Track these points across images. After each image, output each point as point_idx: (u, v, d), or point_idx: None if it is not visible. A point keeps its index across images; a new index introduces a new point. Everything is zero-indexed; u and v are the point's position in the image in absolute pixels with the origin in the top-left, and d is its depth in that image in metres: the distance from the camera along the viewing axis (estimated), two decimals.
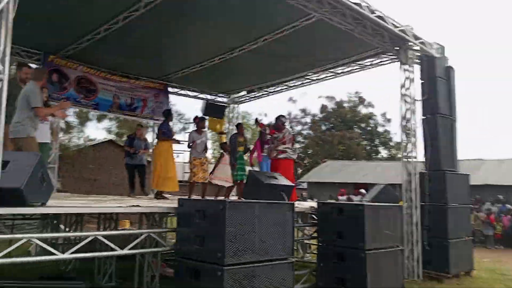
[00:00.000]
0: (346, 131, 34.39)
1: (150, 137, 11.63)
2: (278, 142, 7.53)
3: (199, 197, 7.96)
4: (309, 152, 35.68)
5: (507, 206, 15.36)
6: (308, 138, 36.02)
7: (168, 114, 7.86)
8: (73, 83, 9.36)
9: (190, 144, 7.94)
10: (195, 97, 12.35)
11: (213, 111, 12.34)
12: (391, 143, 36.74)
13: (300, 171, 33.52)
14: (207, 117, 8.32)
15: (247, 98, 12.82)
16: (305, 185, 26.69)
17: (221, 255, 3.71)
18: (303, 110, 37.27)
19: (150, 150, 9.53)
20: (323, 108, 37.61)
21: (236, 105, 13.07)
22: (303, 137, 36.51)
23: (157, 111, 10.82)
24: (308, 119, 37.49)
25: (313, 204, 6.38)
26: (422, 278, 7.80)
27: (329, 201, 6.82)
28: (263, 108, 73.33)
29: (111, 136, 19.97)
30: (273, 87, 11.91)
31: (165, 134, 7.38)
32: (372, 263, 5.58)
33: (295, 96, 45.22)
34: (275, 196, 5.82)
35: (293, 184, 6.14)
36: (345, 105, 37.91)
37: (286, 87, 11.78)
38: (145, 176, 9.13)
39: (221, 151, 9.21)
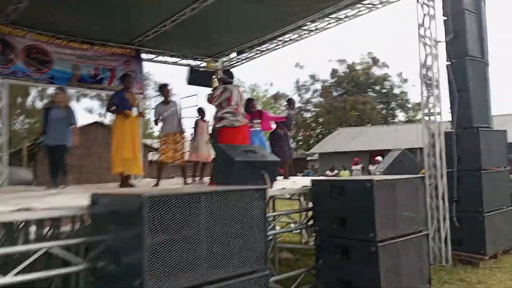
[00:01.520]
0: (360, 95, 32.48)
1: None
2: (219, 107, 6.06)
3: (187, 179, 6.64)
4: (320, 121, 34.04)
5: None
6: (318, 106, 34.26)
7: (123, 80, 6.41)
8: (21, 54, 8.01)
9: (157, 119, 6.55)
10: (176, 64, 10.85)
11: (199, 79, 10.88)
12: (409, 105, 34.74)
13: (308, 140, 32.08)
14: (169, 84, 6.83)
15: (238, 60, 11.27)
16: (316, 156, 25.29)
17: None
18: (312, 76, 35.35)
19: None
20: (334, 72, 35.62)
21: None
22: (313, 105, 34.78)
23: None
24: (318, 86, 35.65)
25: (307, 182, 4.97)
26: (451, 263, 6.42)
27: (326, 177, 5.39)
28: (269, 77, 70.80)
29: (94, 117, 18.82)
30: (266, 45, 10.33)
31: (116, 107, 5.97)
32: (387, 258, 4.24)
33: (302, 62, 43.26)
34: (254, 176, 4.46)
35: (278, 160, 4.72)
36: (358, 67, 35.81)
37: (281, 42, 10.19)
38: (64, 161, 6.62)
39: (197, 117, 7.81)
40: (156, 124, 6.61)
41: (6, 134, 8.11)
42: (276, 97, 35.65)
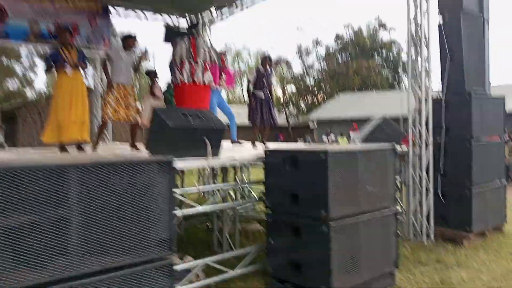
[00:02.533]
0: (364, 60, 31.29)
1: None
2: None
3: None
4: (323, 88, 33.07)
5: None
6: (321, 71, 33.19)
7: (59, 36, 5.70)
8: None
9: (106, 61, 5.71)
10: (148, 19, 10.06)
11: (176, 37, 10.11)
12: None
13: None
14: (135, 36, 6.11)
15: (219, 16, 10.46)
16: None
17: None
18: (315, 41, 34.04)
19: None
20: (338, 37, 34.24)
21: (207, 28, 10.76)
22: (316, 71, 33.71)
23: (95, 39, 8.73)
24: (321, 51, 34.36)
25: (260, 151, 4.40)
26: (433, 240, 5.94)
27: (278, 147, 4.83)
28: (269, 41, 68.74)
29: None
30: None
31: (50, 66, 5.31)
32: (343, 239, 3.74)
33: (303, 25, 41.63)
34: (195, 144, 3.93)
35: (222, 127, 4.14)
36: (365, 33, 34.34)
37: None
38: None
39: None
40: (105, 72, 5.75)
41: None
42: (277, 62, 34.59)
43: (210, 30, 10.79)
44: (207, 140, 3.98)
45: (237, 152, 5.18)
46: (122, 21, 9.85)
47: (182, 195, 4.09)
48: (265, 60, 7.11)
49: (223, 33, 36.04)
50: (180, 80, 5.73)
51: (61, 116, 5.15)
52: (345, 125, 19.96)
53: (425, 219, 6.02)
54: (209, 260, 4.21)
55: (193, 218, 6.83)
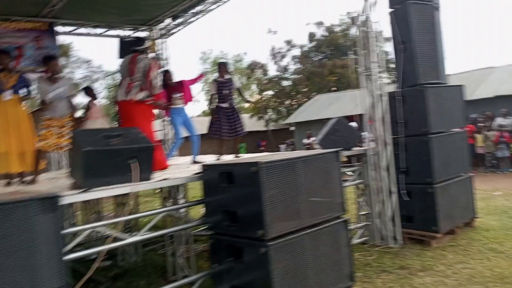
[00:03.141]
0: (338, 59, 31.16)
1: None
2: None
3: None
4: (300, 90, 32.83)
5: None
6: (296, 73, 32.98)
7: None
8: None
9: (45, 100, 5.46)
10: (102, 35, 9.69)
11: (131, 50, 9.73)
12: (392, 65, 33.61)
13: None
14: (57, 57, 5.74)
15: (175, 27, 10.12)
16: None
17: None
18: (288, 42, 33.84)
19: None
20: (311, 36, 34.09)
21: (164, 40, 10.41)
22: (291, 73, 33.49)
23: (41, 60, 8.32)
24: (297, 52, 34.14)
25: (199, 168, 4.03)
26: (401, 243, 5.66)
27: (216, 161, 4.51)
28: (240, 47, 68.20)
29: None
30: (202, 4, 9.09)
31: None
32: (287, 258, 3.40)
33: (275, 27, 41.62)
34: (121, 168, 3.57)
35: (150, 145, 3.77)
36: (337, 29, 34.25)
37: None
38: None
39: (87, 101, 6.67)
40: (45, 106, 5.48)
41: None
42: (252, 66, 34.31)
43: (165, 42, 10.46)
44: (132, 163, 3.61)
45: (176, 170, 4.82)
46: (73, 39, 9.46)
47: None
48: (221, 67, 6.75)
49: (193, 41, 35.61)
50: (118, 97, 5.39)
51: (1, 147, 4.76)
52: (320, 127, 19.71)
53: (390, 221, 5.73)
54: None
55: (152, 243, 6.47)
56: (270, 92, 33.77)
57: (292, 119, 25.57)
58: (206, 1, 9.03)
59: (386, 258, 5.21)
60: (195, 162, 6.22)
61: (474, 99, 14.75)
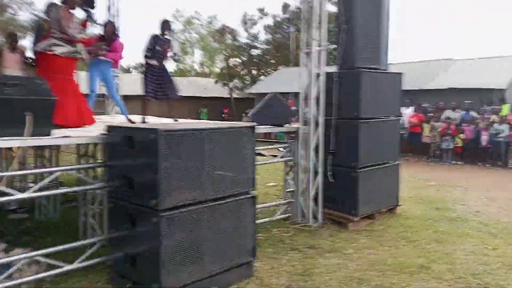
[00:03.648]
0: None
1: None
2: None
3: None
4: (269, 61, 32.46)
5: (471, 114, 13.21)
6: (266, 43, 32.49)
7: None
8: None
9: None
10: None
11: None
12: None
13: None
14: None
15: None
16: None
17: None
18: (261, 10, 33.12)
19: None
20: (286, 7, 33.49)
21: None
22: (261, 43, 32.97)
23: None
24: (269, 21, 33.51)
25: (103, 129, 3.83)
26: (321, 223, 5.76)
27: (121, 123, 4.33)
28: (212, 9, 66.20)
29: None
30: None
31: None
32: (179, 231, 3.33)
33: None
34: (14, 119, 3.33)
35: (51, 97, 3.52)
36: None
37: None
38: None
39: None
40: None
41: None
42: (222, 31, 33.48)
43: None
44: (27, 116, 3.37)
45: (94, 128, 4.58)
46: None
47: None
48: (164, 25, 6.39)
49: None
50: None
51: None
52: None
53: (312, 201, 5.79)
54: (40, 253, 3.66)
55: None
56: (238, 60, 33.24)
57: (254, 89, 25.34)
58: None
59: (301, 236, 5.29)
60: (129, 121, 5.99)
61: (430, 89, 15.06)
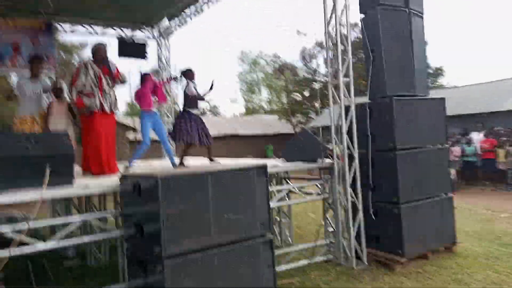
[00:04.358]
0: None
1: None
2: None
3: None
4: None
5: None
6: (326, 75, 32.44)
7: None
8: None
9: (10, 96, 5.66)
10: (99, 33, 9.86)
11: (131, 50, 9.89)
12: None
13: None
14: (43, 57, 5.92)
15: (173, 26, 10.16)
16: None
17: None
18: (320, 44, 33.33)
19: None
20: (344, 38, 33.43)
21: (165, 41, 10.49)
22: (321, 75, 32.97)
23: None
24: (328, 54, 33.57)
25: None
26: (365, 264, 5.36)
27: (133, 172, 4.41)
28: (271, 47, 67.28)
29: None
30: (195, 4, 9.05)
31: None
32: (188, 276, 3.25)
33: (304, 29, 40.86)
34: (33, 174, 3.59)
35: (69, 152, 3.75)
36: None
37: None
38: None
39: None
40: (10, 99, 5.73)
41: None
42: (281, 69, 34.07)
43: (167, 40, 10.52)
44: (47, 168, 3.61)
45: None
46: (70, 37, 9.71)
47: None
48: (188, 74, 6.63)
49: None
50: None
51: None
52: None
53: (353, 241, 5.44)
54: None
55: None
56: (298, 95, 33.43)
57: (318, 122, 25.16)
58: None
59: (340, 281, 4.95)
60: (174, 165, 6.16)
61: (501, 111, 13.89)
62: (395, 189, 5.17)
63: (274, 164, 5.26)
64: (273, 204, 5.02)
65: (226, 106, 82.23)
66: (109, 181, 4.06)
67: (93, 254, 6.18)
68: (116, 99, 5.53)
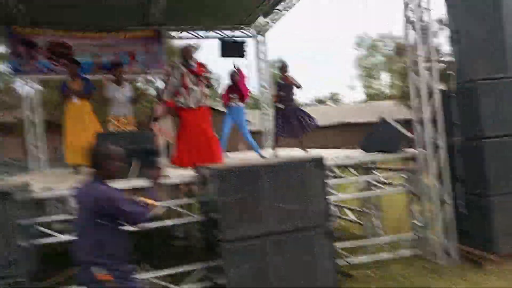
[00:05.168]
0: None
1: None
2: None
3: None
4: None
5: None
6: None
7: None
8: (43, 49, 8.99)
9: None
10: (208, 37, 10.74)
11: (231, 50, 10.58)
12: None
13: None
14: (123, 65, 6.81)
15: (270, 22, 10.55)
16: None
17: None
18: (440, 21, 30.60)
19: None
20: None
21: (261, 37, 10.96)
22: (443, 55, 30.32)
23: (151, 64, 9.75)
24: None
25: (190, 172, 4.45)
26: (456, 260, 5.08)
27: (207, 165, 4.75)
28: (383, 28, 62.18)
29: None
30: None
31: (62, 96, 6.27)
32: (244, 261, 3.62)
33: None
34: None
35: (153, 148, 4.38)
36: None
37: None
38: None
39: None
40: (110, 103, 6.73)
41: None
42: (400, 50, 32.14)
43: (264, 37, 10.98)
44: (134, 161, 4.28)
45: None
46: (177, 42, 10.74)
47: None
48: (282, 68, 6.95)
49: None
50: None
51: (70, 141, 5.97)
52: None
53: (441, 235, 5.17)
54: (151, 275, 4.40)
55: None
56: None
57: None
58: None
59: (422, 277, 4.78)
60: (261, 156, 6.62)
61: None
62: (484, 180, 4.78)
63: (346, 155, 5.28)
64: (348, 195, 5.07)
65: (345, 93, 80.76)
66: (187, 172, 4.61)
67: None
68: (203, 95, 6.00)
